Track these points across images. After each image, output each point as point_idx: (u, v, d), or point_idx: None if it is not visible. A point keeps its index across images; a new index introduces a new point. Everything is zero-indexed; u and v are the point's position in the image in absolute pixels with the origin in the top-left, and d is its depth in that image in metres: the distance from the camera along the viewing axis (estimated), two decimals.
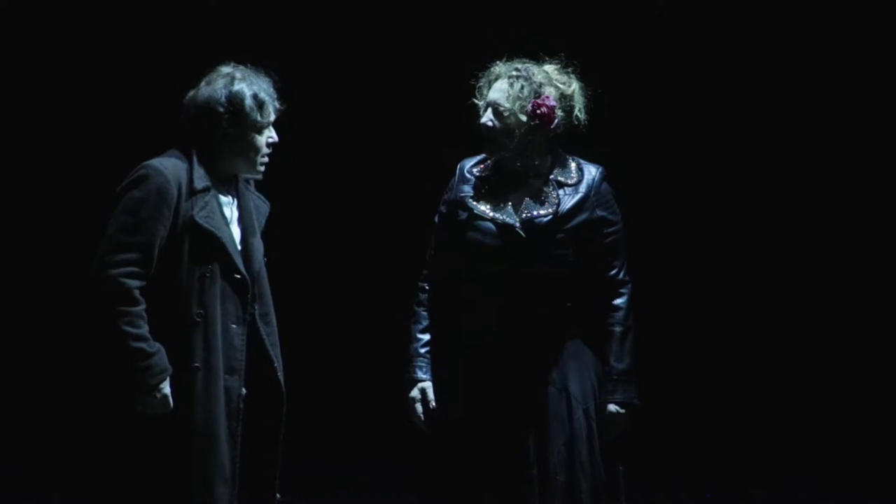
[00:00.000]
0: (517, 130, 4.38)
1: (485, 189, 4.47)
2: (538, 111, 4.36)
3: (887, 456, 6.95)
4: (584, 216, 4.43)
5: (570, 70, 4.47)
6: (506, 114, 4.37)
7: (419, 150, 6.71)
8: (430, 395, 4.46)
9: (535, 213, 4.41)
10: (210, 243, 4.00)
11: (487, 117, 4.38)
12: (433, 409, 4.45)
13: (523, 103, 4.36)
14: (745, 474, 7.00)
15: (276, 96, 4.12)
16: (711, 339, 7.11)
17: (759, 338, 7.15)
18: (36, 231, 6.90)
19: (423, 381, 4.47)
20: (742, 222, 7.15)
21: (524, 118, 4.37)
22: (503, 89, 4.38)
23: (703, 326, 7.10)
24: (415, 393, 4.48)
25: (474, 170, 4.51)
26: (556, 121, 4.39)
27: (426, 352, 4.49)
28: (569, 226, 4.41)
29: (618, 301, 4.49)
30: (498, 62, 4.46)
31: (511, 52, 4.49)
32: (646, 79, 6.97)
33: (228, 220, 4.10)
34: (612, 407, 4.45)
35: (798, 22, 6.92)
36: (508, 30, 6.20)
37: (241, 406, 4.06)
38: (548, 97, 4.37)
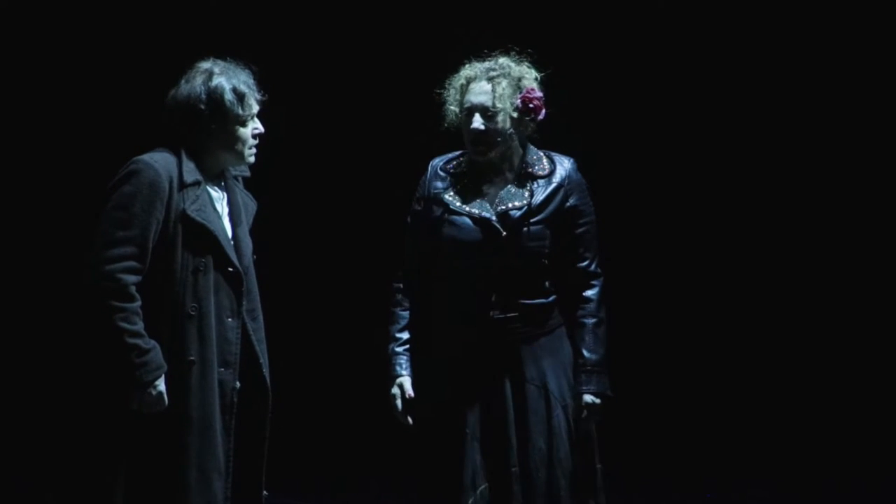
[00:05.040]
0: (508, 128, 4.40)
1: (460, 185, 4.48)
2: (529, 105, 4.39)
3: (887, 455, 6.93)
4: (555, 206, 4.44)
5: (523, 59, 4.48)
6: (499, 115, 4.38)
7: (399, 149, 6.69)
8: (408, 387, 4.48)
9: (509, 205, 4.42)
10: (202, 236, 4.01)
11: (478, 122, 4.37)
12: (412, 400, 4.46)
13: (512, 100, 4.38)
14: (745, 474, 6.99)
15: (256, 87, 4.13)
16: (712, 339, 7.11)
17: (759, 338, 7.14)
18: (27, 229, 6.90)
19: (402, 376, 4.49)
20: (741, 223, 7.15)
21: (515, 115, 4.40)
22: (487, 91, 4.38)
23: (704, 326, 7.10)
24: (395, 390, 4.50)
25: (447, 167, 4.53)
26: (543, 111, 4.42)
27: (404, 350, 4.52)
28: (542, 216, 4.42)
29: (589, 293, 4.49)
30: (465, 65, 4.47)
31: (481, 49, 4.50)
32: (618, 70, 6.97)
33: (220, 213, 4.11)
34: (588, 398, 4.43)
35: (772, 11, 6.93)
36: (482, 25, 6.20)
37: (235, 399, 4.07)
38: (532, 89, 4.41)
